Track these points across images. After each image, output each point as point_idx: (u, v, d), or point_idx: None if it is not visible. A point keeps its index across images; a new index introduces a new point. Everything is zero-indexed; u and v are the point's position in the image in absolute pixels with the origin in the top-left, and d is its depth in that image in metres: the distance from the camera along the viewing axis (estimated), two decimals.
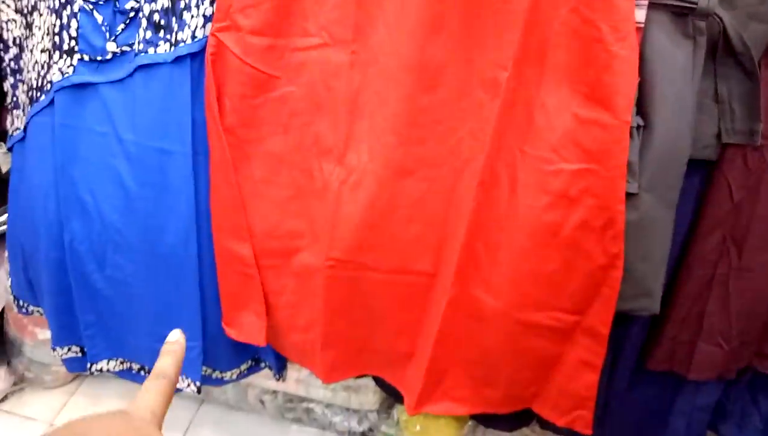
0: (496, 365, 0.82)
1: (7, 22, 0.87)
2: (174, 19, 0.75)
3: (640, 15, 0.64)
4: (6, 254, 1.03)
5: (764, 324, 0.79)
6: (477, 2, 0.66)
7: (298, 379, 1.16)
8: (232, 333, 0.89)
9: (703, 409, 0.86)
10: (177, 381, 0.35)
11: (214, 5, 0.74)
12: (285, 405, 1.23)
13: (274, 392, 1.23)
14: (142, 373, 1.00)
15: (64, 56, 0.79)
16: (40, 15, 0.81)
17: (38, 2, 0.81)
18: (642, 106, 0.67)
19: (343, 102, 0.73)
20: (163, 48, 0.76)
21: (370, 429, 1.20)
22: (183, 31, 0.75)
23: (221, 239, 0.83)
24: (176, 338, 0.38)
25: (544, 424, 0.90)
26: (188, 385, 0.96)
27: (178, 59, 0.76)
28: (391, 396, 1.07)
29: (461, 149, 0.72)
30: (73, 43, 0.78)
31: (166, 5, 0.75)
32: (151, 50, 0.76)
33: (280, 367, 1.03)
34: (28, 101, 0.87)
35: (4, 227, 1.06)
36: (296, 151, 0.78)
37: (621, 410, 0.87)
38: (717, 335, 0.79)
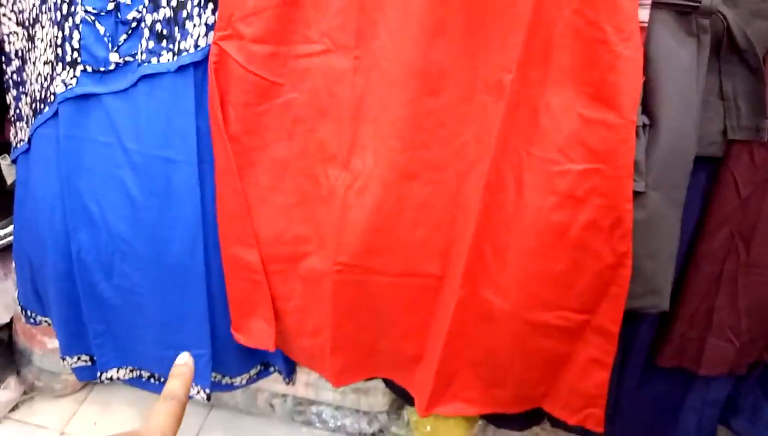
0: (506, 366, 0.82)
1: (8, 35, 0.87)
2: (176, 28, 0.75)
3: (644, 14, 0.64)
4: (13, 265, 1.03)
5: None
6: (480, 5, 0.66)
7: (307, 382, 1.17)
8: (242, 339, 0.89)
9: (714, 404, 0.86)
10: (186, 402, 0.36)
11: (216, 14, 0.74)
12: (295, 409, 1.24)
13: (284, 396, 1.23)
14: (152, 381, 1.00)
15: (67, 68, 0.79)
16: (42, 27, 0.81)
17: (40, 15, 0.81)
18: (647, 105, 0.67)
19: (346, 108, 0.73)
20: (166, 57, 0.76)
21: (381, 430, 1.21)
22: (185, 40, 0.75)
23: (228, 246, 0.84)
24: (185, 360, 0.39)
25: (555, 423, 0.91)
26: (198, 392, 0.97)
27: (181, 68, 0.76)
28: (401, 397, 1.07)
29: (466, 152, 0.72)
30: (75, 54, 0.78)
31: (168, 15, 0.75)
32: (154, 60, 0.76)
33: (289, 371, 1.04)
34: (31, 113, 0.87)
35: (11, 239, 1.07)
36: (301, 158, 0.78)
37: (631, 408, 0.87)
38: (727, 331, 0.79)
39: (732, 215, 0.73)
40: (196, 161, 0.80)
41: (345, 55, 0.72)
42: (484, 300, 0.77)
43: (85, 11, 0.76)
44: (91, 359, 0.99)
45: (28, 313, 1.04)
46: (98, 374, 0.97)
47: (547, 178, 0.69)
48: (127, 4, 0.76)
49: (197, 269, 0.85)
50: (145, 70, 0.77)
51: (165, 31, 0.75)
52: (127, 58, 0.77)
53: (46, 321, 1.04)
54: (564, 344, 0.78)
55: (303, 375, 1.14)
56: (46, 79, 0.82)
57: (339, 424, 1.22)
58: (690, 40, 0.65)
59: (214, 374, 0.99)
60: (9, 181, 1.01)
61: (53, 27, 0.79)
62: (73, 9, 0.77)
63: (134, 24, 0.76)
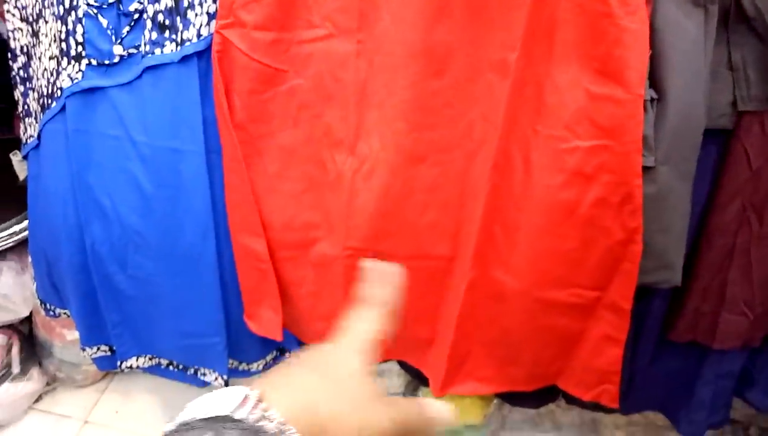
0: (519, 344, 0.82)
1: (13, 31, 0.87)
2: (178, 18, 0.75)
3: None
4: (29, 259, 1.05)
5: None
6: None
7: None
8: (253, 327, 0.90)
9: (728, 376, 0.86)
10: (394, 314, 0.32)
11: (217, 2, 0.74)
12: None
13: None
14: (171, 368, 1.02)
15: (72, 62, 0.79)
16: (46, 22, 0.82)
17: (43, 10, 0.82)
18: (655, 79, 0.66)
19: (351, 92, 0.73)
20: (170, 48, 0.76)
21: None
22: (188, 30, 0.75)
23: (237, 234, 0.84)
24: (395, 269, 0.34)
25: (570, 399, 0.91)
26: (215, 378, 0.98)
27: (184, 58, 0.76)
28: (416, 379, 1.08)
29: (473, 132, 0.72)
30: (80, 48, 0.78)
31: (169, 5, 0.75)
32: (157, 51, 0.77)
33: None
34: (39, 109, 0.88)
35: (26, 234, 1.08)
36: (308, 144, 0.78)
37: (645, 383, 0.87)
38: (741, 304, 0.78)
39: (743, 187, 0.72)
40: (204, 151, 0.80)
41: (348, 39, 0.72)
42: (495, 280, 0.77)
43: (88, 4, 0.76)
44: (111, 349, 1.01)
45: (47, 306, 1.06)
46: (118, 363, 0.99)
47: (555, 155, 0.69)
48: None
49: (209, 257, 0.86)
50: (149, 61, 0.77)
51: (167, 22, 0.75)
52: (131, 50, 0.77)
53: (65, 313, 1.06)
54: (576, 322, 0.78)
55: None
56: (52, 75, 0.83)
57: None
58: (697, 11, 0.64)
59: (231, 361, 1.00)
60: (21, 177, 1.02)
61: (56, 21, 0.79)
62: (75, 3, 0.77)
63: (136, 15, 0.76)
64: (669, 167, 0.67)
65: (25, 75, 0.89)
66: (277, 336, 0.89)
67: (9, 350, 1.24)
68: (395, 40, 0.69)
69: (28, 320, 1.28)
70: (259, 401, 0.24)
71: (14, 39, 0.88)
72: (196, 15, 0.75)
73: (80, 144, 0.83)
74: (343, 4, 0.71)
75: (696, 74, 0.65)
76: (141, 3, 0.75)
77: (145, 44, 0.77)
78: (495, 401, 1.14)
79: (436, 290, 0.82)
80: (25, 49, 0.88)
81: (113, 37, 0.77)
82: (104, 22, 0.77)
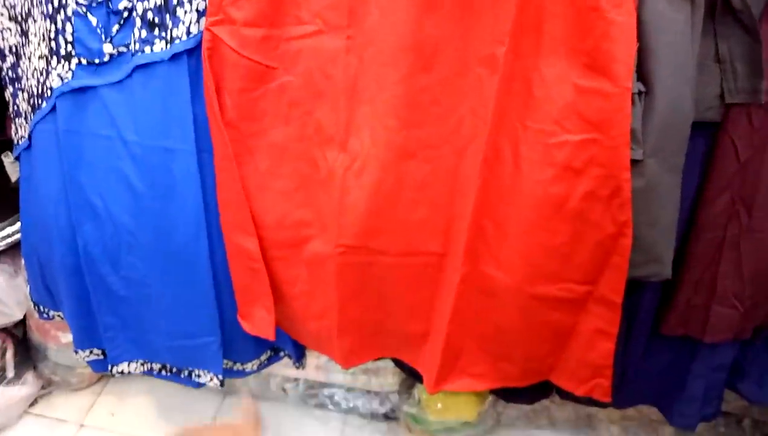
0: (512, 340, 0.82)
1: (2, 31, 0.87)
2: (168, 16, 0.75)
3: None
4: (23, 262, 1.05)
5: None
6: None
7: (317, 366, 1.18)
8: (246, 326, 0.90)
9: (720, 369, 0.86)
10: None
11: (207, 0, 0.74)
12: (307, 392, 1.25)
13: (296, 380, 1.25)
14: (164, 372, 1.01)
15: (62, 61, 0.79)
16: (35, 21, 0.82)
17: (32, 8, 0.81)
18: (642, 72, 0.66)
19: (342, 88, 0.73)
20: (159, 46, 0.76)
21: (392, 410, 1.22)
22: (177, 27, 0.75)
23: (229, 233, 0.84)
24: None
25: (564, 394, 0.91)
26: (211, 379, 0.98)
27: (174, 56, 0.76)
28: (411, 376, 1.08)
29: (463, 128, 0.72)
30: (69, 47, 0.78)
31: (158, 2, 0.75)
32: (147, 49, 0.77)
33: (299, 355, 1.05)
34: (30, 109, 0.88)
35: (19, 236, 1.08)
36: (299, 141, 0.78)
37: (638, 376, 0.87)
38: (731, 297, 0.79)
39: (732, 180, 0.73)
40: (195, 150, 0.80)
41: (337, 35, 0.72)
42: (486, 275, 0.78)
43: (77, 2, 0.76)
44: (103, 353, 1.01)
45: (41, 308, 1.06)
46: (110, 367, 0.99)
47: (544, 150, 0.69)
48: None
49: (202, 257, 0.86)
50: (139, 60, 0.77)
51: (157, 20, 0.75)
52: (121, 49, 0.77)
53: (58, 315, 1.05)
54: (568, 316, 0.79)
55: (313, 359, 1.15)
56: (41, 74, 0.83)
57: (351, 405, 1.23)
58: (684, 3, 0.64)
59: (225, 361, 1.00)
60: (13, 178, 1.02)
61: (46, 20, 0.79)
62: (64, 1, 0.77)
63: (126, 14, 0.76)
64: (657, 160, 0.68)
65: (14, 75, 0.89)
66: (270, 336, 0.88)
67: (3, 354, 1.23)
68: (385, 36, 0.70)
69: (22, 323, 1.28)
70: None
71: (3, 39, 0.87)
72: (186, 12, 0.75)
73: (71, 144, 0.83)
74: (332, 1, 0.71)
75: (683, 67, 0.66)
76: (130, 1, 0.75)
77: (135, 42, 0.77)
78: (489, 398, 1.14)
79: (429, 285, 0.82)
80: (14, 49, 0.87)
81: (103, 36, 0.77)
82: (94, 20, 0.77)
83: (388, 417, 1.23)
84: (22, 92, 0.88)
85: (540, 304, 0.78)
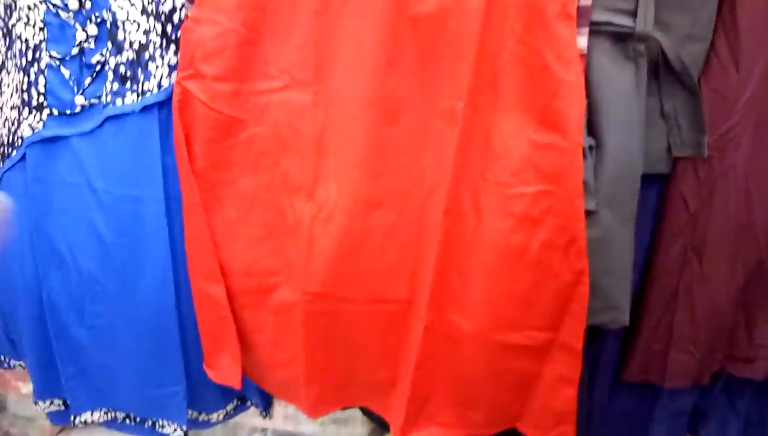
0: (478, 388, 0.83)
1: None
2: (140, 70, 0.77)
3: (582, 42, 0.67)
4: None
5: (730, 329, 0.81)
6: (429, 39, 0.69)
7: (285, 415, 1.16)
8: (212, 375, 0.89)
9: (681, 414, 0.87)
10: None
11: (178, 55, 0.76)
12: None
13: (264, 430, 1.22)
14: (128, 421, 0.99)
15: (34, 112, 0.80)
16: (8, 73, 0.83)
17: (6, 61, 0.83)
18: (593, 128, 0.70)
19: (308, 140, 0.75)
20: (131, 98, 0.78)
21: None
22: (149, 81, 0.77)
23: (196, 281, 0.84)
24: None
25: None
26: (175, 430, 0.96)
27: (145, 108, 0.78)
28: (379, 425, 1.07)
29: (425, 178, 0.75)
30: (41, 98, 0.80)
31: (131, 57, 0.77)
32: (119, 101, 0.78)
33: (266, 404, 1.03)
34: None
35: None
36: (267, 191, 0.80)
37: (603, 422, 0.88)
38: (687, 343, 0.81)
39: (683, 229, 0.76)
40: (164, 198, 0.81)
41: (304, 89, 0.74)
42: (451, 323, 0.79)
43: (50, 56, 0.78)
44: (65, 403, 0.98)
45: (2, 357, 1.03)
46: (72, 417, 0.96)
47: (503, 201, 0.71)
48: (91, 48, 0.78)
49: (168, 304, 0.86)
50: (111, 111, 0.78)
51: (129, 73, 0.77)
52: (93, 101, 0.79)
53: (20, 365, 1.03)
54: (532, 363, 0.80)
55: (281, 408, 1.13)
56: (13, 124, 0.84)
57: None
58: (628, 64, 0.69)
59: (191, 411, 0.98)
60: None
61: (19, 73, 0.80)
62: (38, 55, 0.79)
63: (98, 67, 0.78)
64: (610, 211, 0.71)
65: None
66: (236, 384, 0.88)
67: None
68: (350, 91, 0.72)
69: None
70: None
71: None
72: (157, 67, 0.77)
73: (40, 192, 0.83)
74: (299, 57, 0.74)
75: (630, 123, 0.69)
76: (103, 55, 0.77)
77: (106, 94, 0.78)
78: None
79: (396, 333, 0.83)
80: None
81: (75, 88, 0.79)
82: (66, 73, 0.78)
83: None
84: None
85: (504, 351, 0.79)
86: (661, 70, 0.71)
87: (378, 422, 1.05)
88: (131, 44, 0.77)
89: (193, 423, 1.00)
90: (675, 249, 0.77)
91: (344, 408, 0.96)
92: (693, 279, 0.78)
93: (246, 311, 0.86)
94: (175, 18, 0.76)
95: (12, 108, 0.83)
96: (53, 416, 1.00)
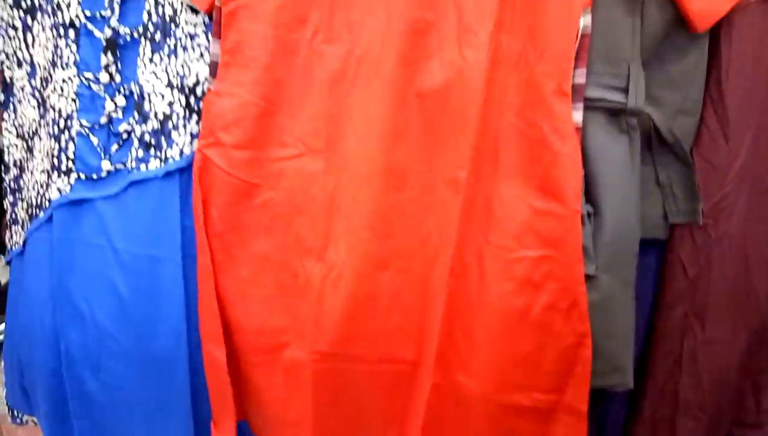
0: None
1: (8, 147, 0.94)
2: (163, 138, 0.82)
3: (578, 116, 0.71)
4: (2, 364, 1.05)
5: (736, 392, 0.81)
6: (434, 111, 0.74)
7: None
8: (215, 434, 0.90)
9: None
10: None
11: (200, 124, 0.81)
12: None
13: None
14: None
15: (62, 176, 0.85)
16: (40, 139, 0.89)
17: (39, 128, 0.89)
18: (590, 196, 0.73)
19: (320, 204, 0.79)
20: (154, 164, 0.83)
21: None
22: (172, 148, 0.82)
23: (204, 342, 0.87)
24: None
25: None
26: None
27: (167, 174, 0.83)
28: None
29: (431, 241, 0.78)
30: (70, 163, 0.85)
31: (155, 127, 0.82)
32: (143, 167, 0.83)
33: None
34: (27, 218, 0.93)
35: (1, 338, 1.09)
36: (279, 252, 0.83)
37: None
38: (694, 408, 0.81)
39: (683, 295, 0.77)
40: (181, 258, 0.85)
41: (317, 157, 0.79)
42: (457, 384, 0.80)
43: (81, 125, 0.84)
44: None
45: (15, 413, 1.05)
46: None
47: (506, 264, 0.74)
48: (119, 118, 0.83)
49: (181, 363, 0.87)
50: (135, 176, 0.83)
51: (153, 141, 0.82)
52: (118, 166, 0.84)
53: (32, 420, 1.04)
54: (538, 426, 0.80)
55: None
56: (42, 187, 0.88)
57: None
58: (622, 136, 0.72)
59: None
60: (2, 281, 1.05)
61: (50, 139, 0.86)
62: (69, 123, 0.84)
63: (125, 135, 0.83)
64: (610, 276, 0.73)
65: (16, 186, 0.95)
66: None
67: None
68: (359, 160, 0.77)
69: None
70: None
71: (9, 153, 0.94)
72: (180, 135, 0.82)
73: (64, 251, 0.87)
74: (312, 128, 0.78)
75: (626, 191, 0.72)
76: (130, 124, 0.83)
77: (131, 161, 0.83)
78: None
79: (403, 393, 0.84)
80: (17, 163, 0.94)
81: (102, 154, 0.84)
82: (95, 140, 0.84)
83: None
84: (22, 202, 0.94)
85: (510, 413, 0.79)
86: (654, 142, 0.74)
87: None
88: (156, 114, 0.82)
89: None
90: (676, 314, 0.78)
91: None
92: (696, 344, 0.79)
93: (257, 370, 0.87)
94: (198, 91, 0.82)
95: (42, 172, 0.88)
96: None
